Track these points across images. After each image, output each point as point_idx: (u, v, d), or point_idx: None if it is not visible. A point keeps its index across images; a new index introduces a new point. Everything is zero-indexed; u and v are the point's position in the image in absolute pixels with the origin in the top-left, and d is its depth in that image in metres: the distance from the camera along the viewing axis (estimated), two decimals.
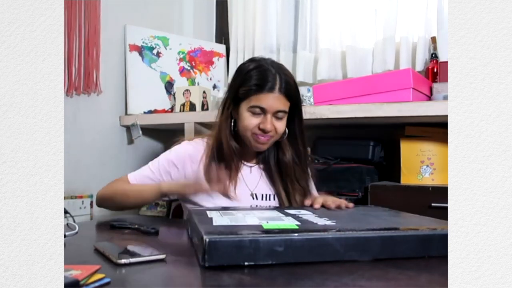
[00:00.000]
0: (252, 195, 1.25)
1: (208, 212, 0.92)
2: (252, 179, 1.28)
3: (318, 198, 1.16)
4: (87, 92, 1.99)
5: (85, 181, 1.99)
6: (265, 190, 1.27)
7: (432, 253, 0.71)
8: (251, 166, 1.29)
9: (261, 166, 1.30)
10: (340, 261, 0.68)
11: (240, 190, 1.23)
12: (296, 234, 0.68)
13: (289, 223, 0.78)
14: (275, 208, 1.04)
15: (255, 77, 1.18)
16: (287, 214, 0.90)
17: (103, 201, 1.28)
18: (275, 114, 1.18)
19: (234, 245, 0.65)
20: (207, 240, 0.64)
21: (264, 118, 1.18)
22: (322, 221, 0.81)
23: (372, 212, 1.00)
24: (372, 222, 0.85)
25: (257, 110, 1.17)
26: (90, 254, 0.79)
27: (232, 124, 1.24)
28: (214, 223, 0.77)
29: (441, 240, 0.71)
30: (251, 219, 0.83)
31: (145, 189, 1.24)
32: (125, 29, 2.18)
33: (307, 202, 1.19)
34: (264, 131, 1.18)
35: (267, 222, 0.78)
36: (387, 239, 0.70)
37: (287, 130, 1.24)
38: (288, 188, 1.26)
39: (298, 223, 0.78)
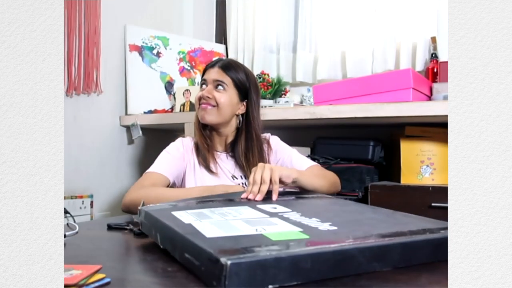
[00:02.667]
0: (232, 176, 1.41)
1: (176, 214, 0.81)
2: (227, 164, 1.44)
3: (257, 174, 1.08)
4: (87, 92, 1.99)
5: (85, 181, 1.99)
6: (241, 172, 1.43)
7: (441, 257, 0.66)
8: (220, 153, 1.46)
9: (230, 153, 1.46)
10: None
11: (221, 174, 1.40)
12: (319, 247, 0.59)
13: (288, 228, 0.70)
14: (247, 204, 0.93)
15: (209, 63, 1.46)
16: (270, 214, 0.81)
17: (133, 207, 1.20)
18: (215, 85, 1.41)
19: (257, 266, 0.54)
20: (229, 263, 0.52)
21: (206, 88, 1.42)
22: (320, 225, 0.73)
23: (357, 209, 0.93)
24: (376, 225, 0.77)
25: (202, 82, 1.44)
26: (90, 254, 0.79)
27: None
28: (207, 235, 0.66)
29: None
30: (240, 225, 0.73)
31: (192, 193, 1.19)
32: (125, 29, 2.18)
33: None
34: (205, 97, 1.39)
35: (264, 229, 0.69)
36: (407, 246, 0.65)
37: (241, 118, 1.44)
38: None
39: (299, 228, 0.70)
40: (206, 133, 1.44)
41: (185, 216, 0.79)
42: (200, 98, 1.41)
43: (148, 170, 1.34)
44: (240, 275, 0.53)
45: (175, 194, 1.21)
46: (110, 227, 1.07)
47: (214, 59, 1.54)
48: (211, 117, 1.40)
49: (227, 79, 1.41)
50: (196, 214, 0.81)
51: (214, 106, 1.39)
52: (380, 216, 0.87)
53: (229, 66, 1.43)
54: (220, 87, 1.41)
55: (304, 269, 0.56)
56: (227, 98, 1.41)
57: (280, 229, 0.70)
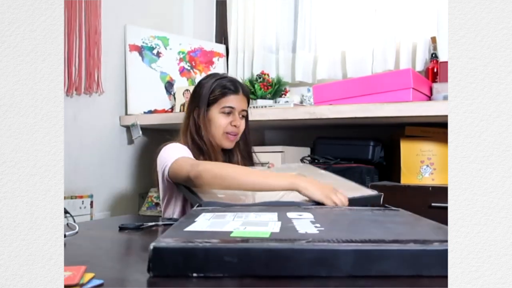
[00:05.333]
0: None
1: (202, 213, 0.85)
2: None
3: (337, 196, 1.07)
4: (89, 92, 1.99)
5: (85, 181, 2.00)
6: None
7: (419, 272, 0.58)
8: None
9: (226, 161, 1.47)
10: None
11: None
12: (250, 244, 0.60)
13: (268, 230, 0.69)
14: (276, 208, 0.94)
15: (223, 84, 1.41)
16: (282, 218, 0.80)
17: (212, 179, 1.15)
18: (241, 113, 1.42)
19: (180, 253, 0.58)
20: (152, 247, 0.58)
21: (233, 116, 1.40)
22: (307, 229, 0.70)
23: (383, 218, 0.86)
24: (374, 232, 0.72)
25: (227, 109, 1.39)
26: (90, 254, 0.79)
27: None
28: (187, 228, 0.70)
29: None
30: (234, 223, 0.74)
31: (275, 179, 1.13)
32: (125, 29, 2.18)
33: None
34: (235, 127, 1.40)
35: (245, 228, 0.70)
36: (360, 254, 0.58)
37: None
38: None
39: (277, 230, 0.69)
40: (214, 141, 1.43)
41: (206, 215, 0.83)
42: (227, 127, 1.39)
43: (177, 157, 1.25)
44: (163, 260, 0.57)
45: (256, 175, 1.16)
46: (122, 229, 1.05)
47: (227, 80, 1.44)
48: (233, 144, 1.44)
49: (247, 106, 1.46)
50: (217, 216, 0.83)
51: (238, 133, 1.42)
52: (392, 222, 0.80)
53: (248, 93, 1.47)
54: (244, 112, 1.44)
55: (231, 263, 0.57)
56: (246, 124, 1.46)
57: (259, 229, 0.69)
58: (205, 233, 0.68)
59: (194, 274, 0.57)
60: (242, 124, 1.42)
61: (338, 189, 1.10)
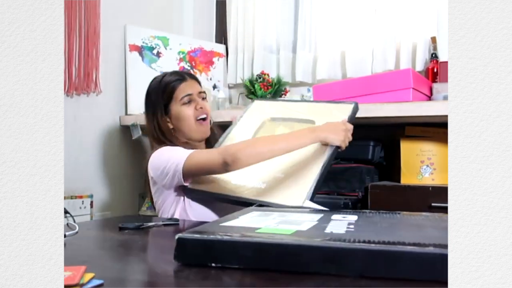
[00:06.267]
0: None
1: (251, 211, 0.89)
2: None
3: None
4: (87, 92, 1.99)
5: (85, 181, 2.00)
6: None
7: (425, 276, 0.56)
8: None
9: None
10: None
11: None
12: (263, 239, 0.62)
13: (296, 228, 0.69)
14: (324, 212, 0.92)
15: (168, 79, 1.41)
16: (322, 219, 0.79)
17: (249, 157, 1.18)
18: (200, 96, 1.42)
19: (200, 244, 0.63)
20: (176, 237, 0.64)
21: (195, 101, 1.40)
22: (337, 229, 0.69)
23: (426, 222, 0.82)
24: (401, 234, 0.70)
25: (186, 98, 1.39)
26: (90, 254, 0.79)
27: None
28: (224, 223, 0.74)
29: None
30: (271, 221, 0.76)
31: (299, 138, 1.21)
32: (125, 29, 2.18)
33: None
34: (202, 109, 1.39)
35: (276, 226, 0.71)
36: (371, 254, 0.58)
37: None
38: None
39: (304, 229, 0.69)
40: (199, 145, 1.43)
41: (252, 214, 0.86)
42: (195, 113, 1.39)
43: (187, 155, 1.24)
44: (186, 250, 0.64)
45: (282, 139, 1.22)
46: (122, 229, 1.04)
47: (168, 75, 1.45)
48: (208, 129, 1.43)
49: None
50: (262, 214, 0.86)
51: (207, 117, 1.42)
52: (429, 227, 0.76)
53: (196, 77, 1.47)
54: (203, 94, 1.43)
55: (246, 256, 0.61)
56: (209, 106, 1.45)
57: (286, 227, 0.71)
58: (234, 228, 0.72)
59: (213, 264, 0.62)
60: (206, 105, 1.42)
61: (339, 119, 1.26)
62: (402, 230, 0.75)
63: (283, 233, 0.66)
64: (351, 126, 1.26)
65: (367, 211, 0.99)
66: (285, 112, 1.44)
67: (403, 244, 0.59)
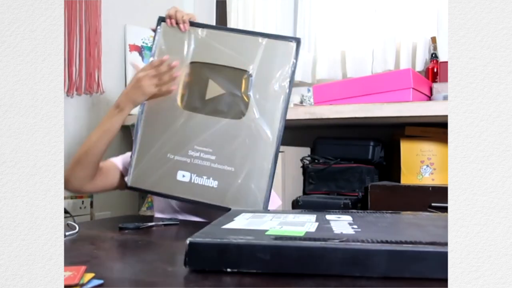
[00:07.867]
0: None
1: (241, 213, 0.86)
2: None
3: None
4: (89, 93, 1.99)
5: None
6: None
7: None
8: None
9: None
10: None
11: None
12: (283, 242, 0.61)
13: (304, 229, 0.69)
14: (319, 212, 0.92)
15: None
16: (320, 220, 0.80)
17: (73, 172, 1.12)
18: None
19: (215, 248, 0.60)
20: (188, 242, 0.61)
21: None
22: (344, 229, 0.70)
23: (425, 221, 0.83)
24: (408, 233, 0.71)
25: None
26: (90, 254, 0.79)
27: None
28: (225, 226, 0.72)
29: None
30: (271, 223, 0.75)
31: (102, 121, 1.17)
32: (125, 29, 2.18)
33: None
34: None
35: (281, 227, 0.71)
36: (394, 255, 0.58)
37: None
38: None
39: (313, 230, 0.69)
40: None
41: (245, 215, 0.84)
42: None
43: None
44: (199, 254, 0.60)
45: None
46: (122, 229, 1.04)
47: None
48: None
49: None
50: (255, 216, 0.84)
51: None
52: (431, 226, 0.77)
53: None
54: None
55: (264, 260, 0.59)
56: None
57: (295, 228, 0.70)
58: (241, 230, 0.69)
59: (228, 269, 0.60)
60: None
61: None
62: (405, 229, 0.77)
63: (295, 234, 0.65)
64: (147, 67, 1.12)
65: (355, 211, 1.02)
66: (208, 50, 1.22)
67: (420, 243, 0.60)
